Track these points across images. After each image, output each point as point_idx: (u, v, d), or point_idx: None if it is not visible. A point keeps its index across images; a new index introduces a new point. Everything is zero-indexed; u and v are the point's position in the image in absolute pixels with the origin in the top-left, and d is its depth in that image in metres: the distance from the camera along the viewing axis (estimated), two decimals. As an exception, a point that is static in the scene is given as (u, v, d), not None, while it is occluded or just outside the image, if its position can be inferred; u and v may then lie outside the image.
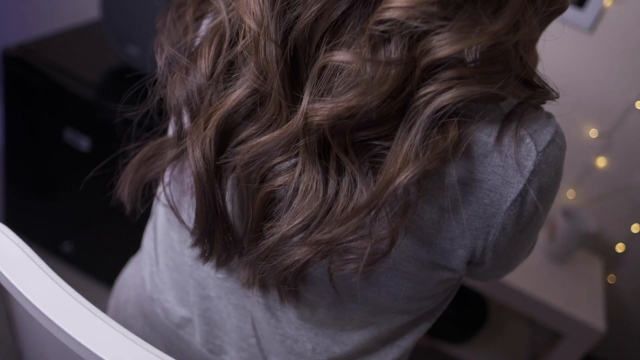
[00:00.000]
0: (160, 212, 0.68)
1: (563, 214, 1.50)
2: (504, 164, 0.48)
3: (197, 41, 0.57)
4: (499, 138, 0.48)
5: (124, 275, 0.81)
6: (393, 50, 0.43)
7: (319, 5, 0.45)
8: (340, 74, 0.46)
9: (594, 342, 1.39)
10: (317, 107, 0.46)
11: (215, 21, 0.55)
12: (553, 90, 0.52)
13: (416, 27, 0.42)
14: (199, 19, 0.58)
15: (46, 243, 1.76)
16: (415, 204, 0.47)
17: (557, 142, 0.50)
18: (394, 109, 0.45)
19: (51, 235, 1.74)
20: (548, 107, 0.53)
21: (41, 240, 1.77)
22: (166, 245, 0.67)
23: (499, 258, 0.55)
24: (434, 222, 0.50)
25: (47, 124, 1.53)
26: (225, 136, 0.53)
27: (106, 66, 1.55)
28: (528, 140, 0.48)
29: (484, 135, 0.48)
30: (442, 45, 0.42)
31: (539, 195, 0.50)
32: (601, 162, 1.52)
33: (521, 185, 0.49)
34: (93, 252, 1.69)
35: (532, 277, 1.43)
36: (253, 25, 0.47)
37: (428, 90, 0.44)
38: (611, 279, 1.63)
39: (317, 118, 0.46)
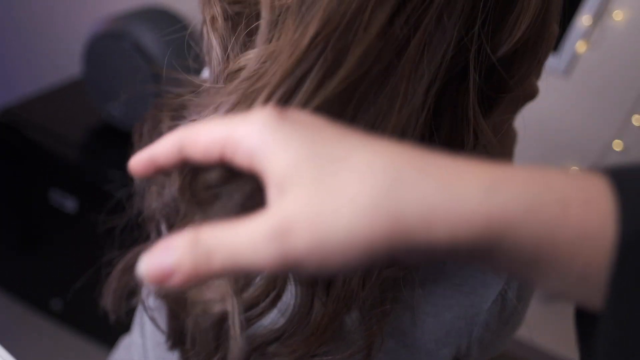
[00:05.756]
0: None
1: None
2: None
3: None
4: None
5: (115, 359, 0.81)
6: None
7: None
8: None
9: (585, 382, 1.39)
10: None
11: None
12: None
13: None
14: (174, 126, 0.59)
15: (35, 301, 1.75)
16: (389, 312, 0.48)
17: None
18: None
19: (40, 293, 1.73)
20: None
21: (30, 298, 1.76)
22: (154, 342, 0.67)
23: (484, 349, 0.55)
24: (416, 326, 0.51)
25: (32, 185, 1.53)
26: None
27: (90, 125, 1.56)
28: None
29: None
30: None
31: (519, 290, 0.51)
32: (583, 200, 1.54)
33: (500, 286, 0.49)
34: (83, 309, 1.68)
35: (521, 319, 1.43)
36: None
37: None
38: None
39: None
